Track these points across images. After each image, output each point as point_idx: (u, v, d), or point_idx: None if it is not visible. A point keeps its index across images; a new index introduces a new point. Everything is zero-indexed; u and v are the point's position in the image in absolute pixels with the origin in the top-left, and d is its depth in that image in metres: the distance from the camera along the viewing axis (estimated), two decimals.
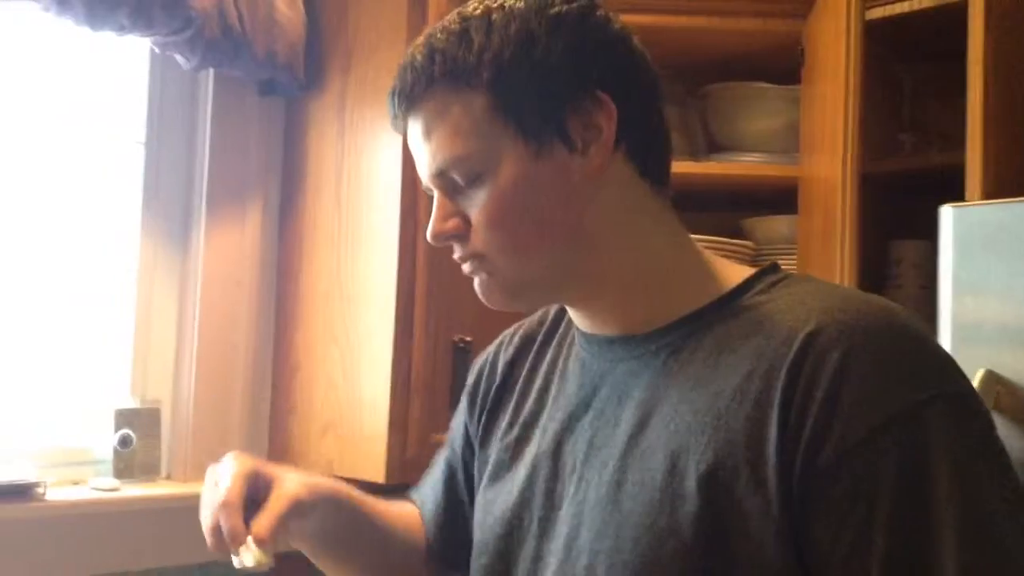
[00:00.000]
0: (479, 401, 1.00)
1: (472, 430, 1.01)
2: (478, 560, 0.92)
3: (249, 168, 1.93)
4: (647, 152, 0.85)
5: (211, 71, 1.85)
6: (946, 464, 0.70)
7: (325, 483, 0.96)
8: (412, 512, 1.08)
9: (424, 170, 0.85)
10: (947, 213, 1.33)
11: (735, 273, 0.85)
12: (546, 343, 0.97)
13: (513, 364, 0.98)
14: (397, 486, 1.85)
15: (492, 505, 0.92)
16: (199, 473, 1.83)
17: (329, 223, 1.90)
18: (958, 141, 1.55)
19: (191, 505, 1.80)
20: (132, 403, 1.84)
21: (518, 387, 0.96)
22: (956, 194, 1.47)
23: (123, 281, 1.86)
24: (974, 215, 1.31)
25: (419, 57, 0.82)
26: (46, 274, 1.76)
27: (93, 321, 1.82)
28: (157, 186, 1.89)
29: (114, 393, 1.84)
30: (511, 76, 0.80)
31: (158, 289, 1.89)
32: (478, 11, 0.82)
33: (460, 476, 1.04)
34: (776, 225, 1.96)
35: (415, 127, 0.84)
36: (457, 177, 0.82)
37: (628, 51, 0.85)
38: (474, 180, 0.82)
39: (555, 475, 0.86)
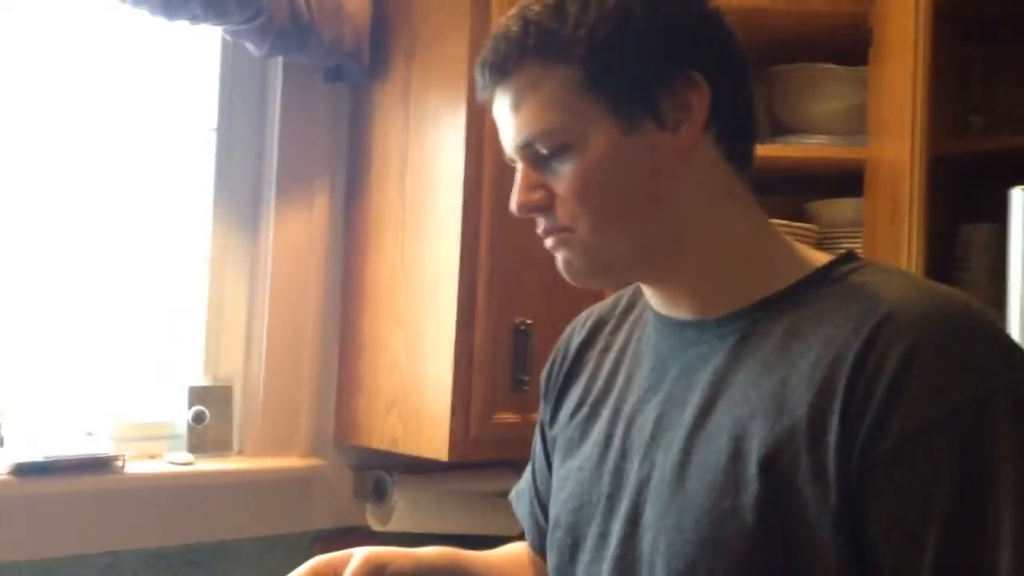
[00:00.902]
0: (551, 383, 1.02)
1: (547, 413, 1.03)
2: (553, 534, 0.94)
3: (316, 154, 1.98)
4: (735, 135, 0.85)
5: (280, 59, 1.90)
6: (1008, 462, 0.69)
7: (429, 554, 1.00)
8: (519, 553, 1.10)
9: (510, 141, 0.85)
10: (1018, 195, 1.31)
11: (813, 260, 0.85)
12: (619, 326, 0.97)
13: (585, 346, 0.99)
14: (460, 463, 1.89)
15: (565, 481, 0.93)
16: (269, 449, 1.92)
17: (393, 208, 1.93)
18: None
19: (261, 479, 1.89)
20: (205, 381, 1.91)
21: (589, 368, 0.97)
22: None
23: (196, 263, 1.92)
24: None
25: (513, 28, 0.81)
26: (124, 258, 1.82)
27: (168, 302, 1.88)
28: (229, 171, 1.94)
29: (189, 371, 1.90)
30: (605, 52, 0.79)
31: (229, 271, 1.94)
32: None
33: (543, 462, 1.06)
34: (841, 208, 1.94)
35: (503, 98, 0.83)
36: (544, 149, 0.82)
37: (722, 31, 0.84)
38: (561, 153, 0.81)
39: (624, 454, 0.87)
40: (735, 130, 0.85)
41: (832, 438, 0.72)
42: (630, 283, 0.94)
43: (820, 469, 0.72)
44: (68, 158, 1.74)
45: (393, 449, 1.90)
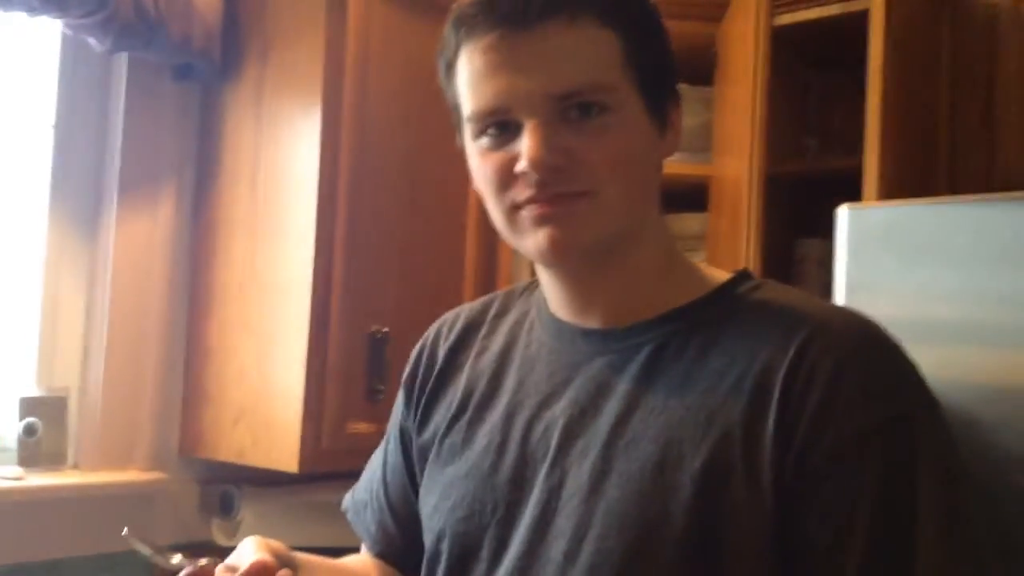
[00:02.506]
0: (416, 389, 0.99)
1: (409, 420, 1.00)
2: (437, 545, 0.91)
3: (162, 154, 1.91)
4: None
5: (125, 55, 1.82)
6: (931, 471, 0.74)
7: (283, 549, 0.94)
8: (364, 562, 1.06)
9: (536, 88, 0.78)
10: (843, 213, 1.39)
11: (713, 276, 0.88)
12: (494, 330, 0.96)
13: (456, 350, 0.97)
14: (311, 475, 1.85)
15: (450, 489, 0.90)
16: (108, 462, 1.83)
17: (245, 212, 1.89)
18: (860, 146, 1.61)
19: (98, 495, 1.80)
20: (38, 391, 1.80)
21: (464, 372, 0.95)
22: (858, 197, 1.53)
23: (30, 266, 1.81)
24: (869, 215, 1.37)
25: None
26: None
27: None
28: (66, 170, 1.85)
29: (20, 381, 1.79)
30: (640, 32, 0.81)
31: (65, 276, 1.85)
32: None
33: (401, 469, 1.02)
34: (689, 223, 2.02)
35: (542, 39, 0.78)
36: (591, 100, 0.78)
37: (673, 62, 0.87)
38: (603, 113, 0.78)
39: (523, 461, 0.86)
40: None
41: (767, 447, 0.75)
42: (599, 264, 0.87)
43: (755, 477, 0.75)
44: None
45: (241, 461, 1.84)
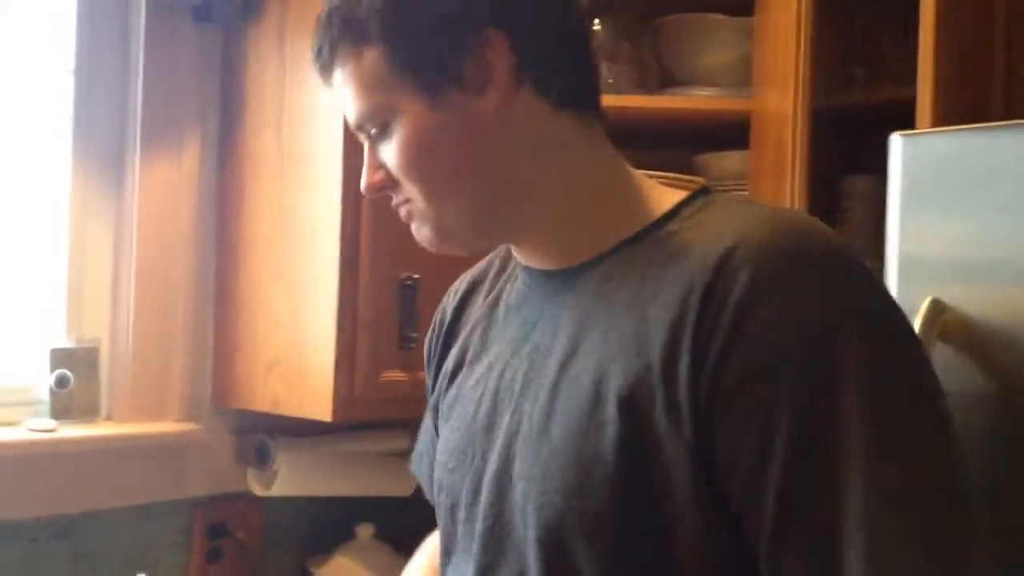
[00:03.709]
0: (431, 353, 1.03)
1: (430, 382, 1.03)
2: (438, 496, 0.94)
3: (185, 100, 1.86)
4: (558, 84, 0.84)
5: None
6: (856, 389, 0.68)
7: None
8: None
9: (350, 123, 0.87)
10: (896, 142, 1.32)
11: (668, 199, 0.85)
12: (492, 287, 0.98)
13: (459, 311, 1.00)
14: (345, 424, 1.84)
15: (446, 443, 0.93)
16: (141, 414, 1.82)
17: (270, 157, 1.84)
18: (909, 77, 1.53)
19: (132, 446, 1.80)
20: (68, 343, 1.79)
21: (464, 331, 0.98)
22: (909, 130, 1.45)
23: (56, 216, 1.79)
24: (924, 144, 1.29)
25: (323, 19, 0.84)
26: None
27: (26, 258, 1.75)
28: (88, 117, 1.81)
29: (50, 332, 1.78)
30: (399, 26, 0.81)
31: (92, 225, 1.82)
32: None
33: (431, 424, 1.06)
34: (728, 161, 1.94)
35: (336, 87, 0.86)
36: (372, 130, 0.84)
37: None
38: (385, 131, 0.83)
39: (495, 408, 0.87)
40: (560, 78, 0.84)
41: (683, 373, 0.72)
42: (484, 246, 0.94)
43: (674, 405, 0.72)
44: None
45: (275, 411, 1.82)
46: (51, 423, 1.68)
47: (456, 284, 1.04)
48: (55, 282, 1.79)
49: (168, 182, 1.84)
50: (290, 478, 1.90)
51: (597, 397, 0.77)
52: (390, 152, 0.83)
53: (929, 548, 0.67)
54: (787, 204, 1.64)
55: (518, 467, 0.82)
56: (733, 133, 1.87)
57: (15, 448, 1.62)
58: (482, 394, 0.89)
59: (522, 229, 0.87)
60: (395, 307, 1.78)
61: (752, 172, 1.83)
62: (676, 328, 0.73)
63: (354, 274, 1.74)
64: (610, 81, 1.91)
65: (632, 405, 0.74)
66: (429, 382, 1.04)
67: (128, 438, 1.78)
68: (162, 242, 1.84)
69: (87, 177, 1.81)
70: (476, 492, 0.86)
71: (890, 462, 0.67)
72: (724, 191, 1.83)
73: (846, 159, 1.80)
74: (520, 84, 0.82)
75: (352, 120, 0.86)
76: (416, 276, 1.78)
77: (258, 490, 1.93)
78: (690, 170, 1.98)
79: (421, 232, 0.87)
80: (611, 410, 0.75)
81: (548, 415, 0.80)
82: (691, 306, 0.73)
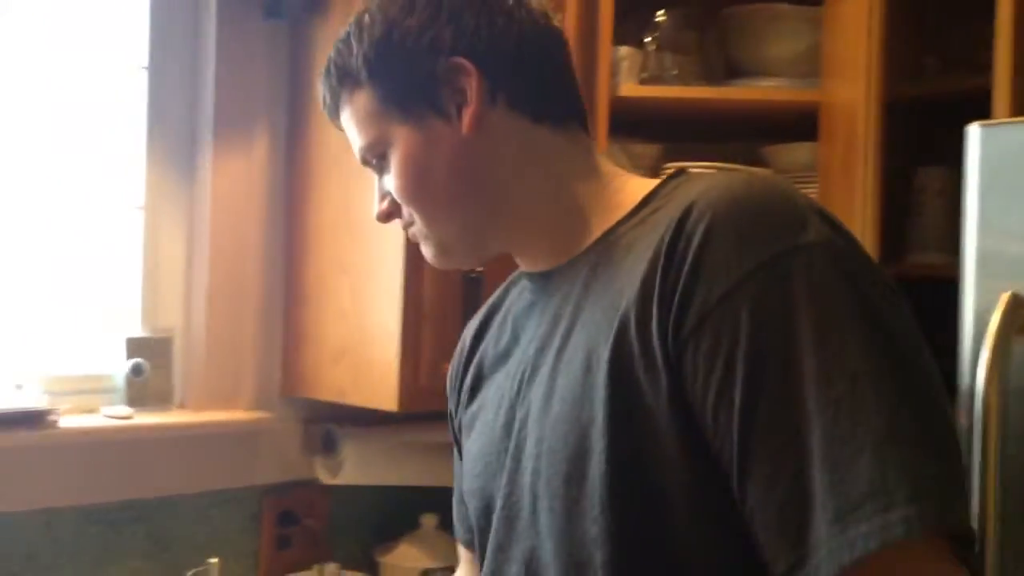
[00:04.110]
0: (453, 380, 1.06)
1: (453, 408, 1.06)
2: (470, 505, 0.97)
3: (255, 94, 1.89)
4: (531, 98, 0.90)
5: None
6: (807, 317, 0.70)
7: None
8: None
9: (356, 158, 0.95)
10: (974, 133, 1.28)
11: (647, 187, 0.89)
12: (505, 303, 1.02)
13: (479, 334, 1.03)
14: (410, 414, 1.86)
15: (470, 452, 0.97)
16: (212, 402, 1.86)
17: (337, 150, 1.86)
18: (979, 65, 1.49)
19: (204, 434, 1.84)
20: (144, 332, 1.84)
21: (481, 348, 1.02)
22: (982, 119, 1.42)
23: (131, 210, 1.84)
24: (1002, 134, 1.26)
25: (324, 72, 0.93)
26: (55, 204, 1.74)
27: (103, 250, 1.80)
28: (162, 112, 1.85)
29: (126, 322, 1.83)
30: (380, 68, 0.89)
31: (165, 218, 1.87)
32: (360, 15, 0.91)
33: (457, 456, 1.08)
34: (796, 153, 1.92)
35: (343, 126, 0.94)
36: (373, 160, 0.91)
37: (485, 8, 0.89)
38: (383, 161, 0.91)
39: (511, 409, 0.91)
40: (531, 93, 0.90)
41: (654, 321, 0.76)
42: (482, 259, 0.98)
43: (649, 356, 0.76)
44: None
45: (341, 400, 1.85)
46: (127, 410, 1.73)
47: (475, 317, 1.09)
48: (131, 274, 1.83)
49: (239, 175, 1.88)
50: (356, 467, 1.93)
51: (589, 367, 0.80)
52: (389, 180, 0.90)
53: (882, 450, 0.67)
54: (859, 196, 1.61)
55: (528, 450, 0.86)
56: (800, 125, 1.84)
57: (93, 434, 1.67)
58: (502, 398, 0.94)
59: (515, 237, 0.93)
60: (458, 299, 1.79)
61: (821, 164, 1.80)
62: (646, 284, 0.77)
63: (418, 266, 1.75)
64: (674, 73, 1.90)
65: (616, 365, 0.78)
66: (451, 408, 1.07)
67: (200, 426, 1.83)
68: (233, 235, 1.88)
69: (161, 171, 1.85)
70: (500, 484, 0.90)
71: (841, 405, 0.68)
72: (793, 184, 1.81)
73: (919, 151, 1.76)
74: (494, 104, 0.88)
75: (357, 155, 0.93)
76: (479, 269, 1.79)
77: (325, 478, 1.96)
78: (756, 163, 1.96)
79: (426, 251, 0.94)
80: (600, 376, 0.79)
81: (549, 395, 0.84)
82: (658, 263, 0.77)
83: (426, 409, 1.86)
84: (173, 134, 1.86)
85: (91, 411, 1.72)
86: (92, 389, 1.77)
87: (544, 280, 0.93)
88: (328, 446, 1.96)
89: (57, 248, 1.74)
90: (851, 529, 0.65)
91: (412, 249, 1.77)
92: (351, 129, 0.93)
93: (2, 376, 1.62)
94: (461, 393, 1.03)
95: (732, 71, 1.99)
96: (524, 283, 0.98)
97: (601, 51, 1.80)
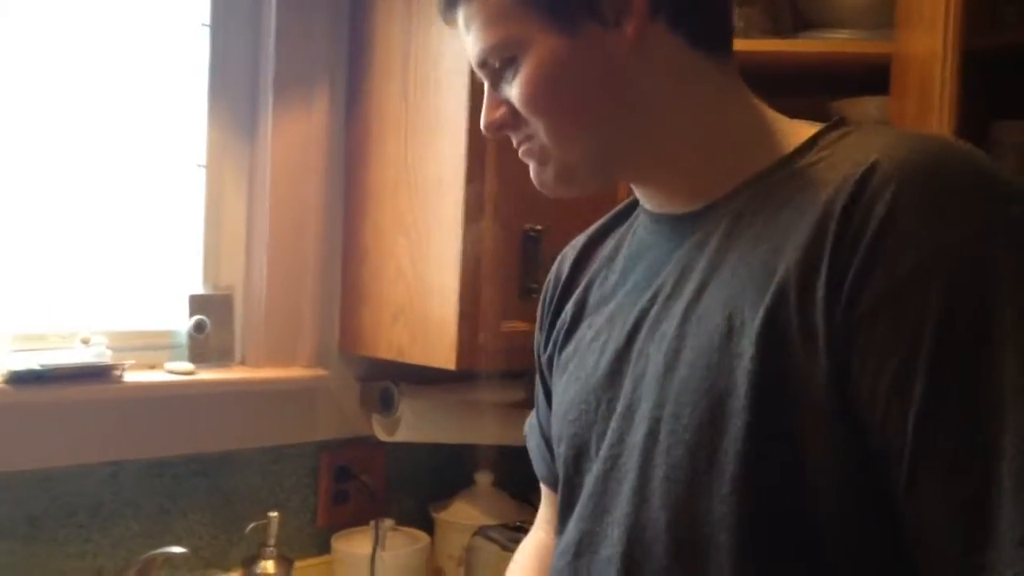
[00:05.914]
0: (545, 310, 1.01)
1: (541, 341, 1.02)
2: (557, 449, 0.93)
3: (315, 50, 1.88)
4: (693, 19, 0.82)
5: None
6: (1009, 298, 0.63)
7: None
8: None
9: (471, 61, 0.86)
10: None
11: (803, 132, 0.81)
12: (610, 238, 0.97)
13: (578, 265, 0.98)
14: (467, 373, 1.85)
15: (565, 395, 0.92)
16: (272, 359, 1.88)
17: (396, 108, 1.85)
18: None
19: (264, 390, 1.86)
20: (205, 289, 1.86)
21: (582, 283, 0.96)
22: None
23: (193, 168, 1.85)
24: None
25: None
26: (118, 162, 1.75)
27: (166, 208, 1.82)
28: (223, 70, 1.85)
29: (189, 279, 1.85)
30: None
31: (227, 176, 1.88)
32: None
33: (542, 391, 1.05)
34: (866, 107, 1.85)
35: (460, 21, 0.85)
36: (495, 64, 0.82)
37: None
38: (510, 65, 0.82)
39: (618, 356, 0.85)
40: (691, 14, 0.82)
41: (820, 295, 0.69)
42: (605, 185, 0.90)
43: (810, 328, 0.69)
44: (58, 58, 1.66)
45: (399, 359, 1.86)
46: (189, 366, 1.75)
47: (574, 241, 1.03)
48: (193, 232, 1.85)
49: (299, 133, 1.88)
50: (413, 424, 1.94)
51: (730, 331, 0.74)
52: (516, 86, 0.81)
53: None
54: None
55: (643, 409, 0.80)
56: (869, 78, 1.77)
57: (157, 389, 1.70)
58: (605, 342, 0.88)
59: (650, 171, 0.85)
60: (518, 258, 1.77)
61: (893, 118, 1.74)
62: (812, 252, 0.70)
63: (477, 224, 1.74)
64: (740, 25, 1.84)
65: (769, 338, 0.71)
66: (540, 339, 1.02)
67: (260, 382, 1.84)
68: (293, 193, 1.88)
69: (222, 130, 1.86)
70: (602, 436, 0.85)
71: None
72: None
73: (995, 103, 1.69)
74: (655, 17, 0.80)
75: (475, 57, 0.84)
76: (539, 227, 1.77)
77: (382, 435, 1.98)
78: (826, 117, 1.90)
79: (542, 174, 0.85)
80: (745, 343, 0.72)
81: (676, 353, 0.78)
82: (829, 228, 0.69)
83: (484, 368, 1.86)
84: (234, 92, 1.86)
85: (154, 367, 1.75)
86: (156, 345, 1.80)
87: (674, 223, 0.85)
88: (385, 404, 1.97)
89: (121, 206, 1.76)
90: None
91: (471, 206, 1.76)
92: (474, 26, 0.82)
93: (70, 332, 1.65)
94: (555, 330, 0.97)
95: (800, 23, 1.93)
96: (643, 220, 0.90)
97: None
